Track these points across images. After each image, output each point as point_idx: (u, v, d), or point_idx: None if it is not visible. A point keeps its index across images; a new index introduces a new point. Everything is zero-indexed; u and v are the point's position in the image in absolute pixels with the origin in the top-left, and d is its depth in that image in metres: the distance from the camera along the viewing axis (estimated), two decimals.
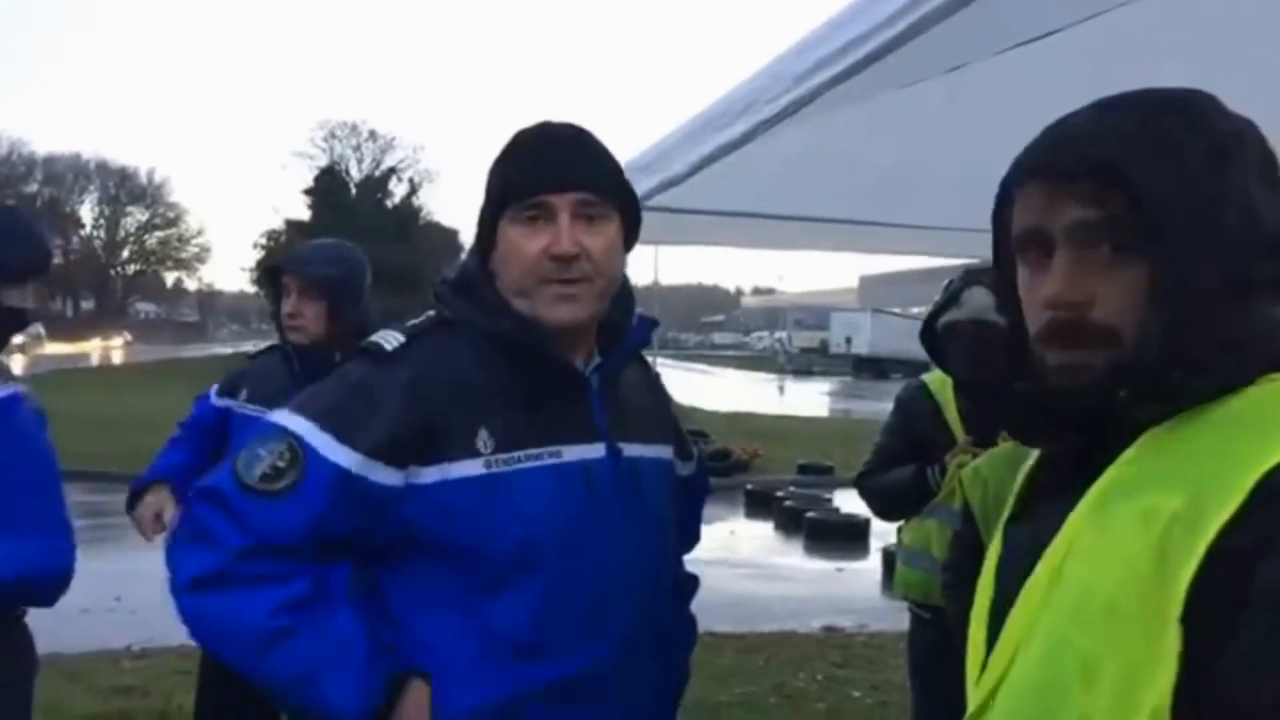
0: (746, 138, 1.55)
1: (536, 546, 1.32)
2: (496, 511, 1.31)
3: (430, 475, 1.30)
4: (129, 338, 54.56)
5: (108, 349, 48.95)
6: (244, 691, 2.47)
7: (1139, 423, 0.79)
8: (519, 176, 1.36)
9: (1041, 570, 0.80)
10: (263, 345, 2.71)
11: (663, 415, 1.59)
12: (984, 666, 0.86)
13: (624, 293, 1.47)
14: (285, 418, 1.33)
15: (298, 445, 1.29)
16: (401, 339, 1.37)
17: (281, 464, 1.28)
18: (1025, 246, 0.86)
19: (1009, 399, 0.89)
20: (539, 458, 1.34)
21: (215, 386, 2.62)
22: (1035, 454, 0.95)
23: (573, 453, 1.37)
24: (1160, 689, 0.69)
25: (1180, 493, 0.72)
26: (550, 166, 1.35)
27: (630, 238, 1.44)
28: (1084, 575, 0.76)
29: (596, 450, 1.39)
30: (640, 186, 1.61)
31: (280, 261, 2.52)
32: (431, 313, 1.43)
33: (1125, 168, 0.79)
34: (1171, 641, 0.69)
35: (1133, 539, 0.73)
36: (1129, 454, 0.79)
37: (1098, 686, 0.72)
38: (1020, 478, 0.96)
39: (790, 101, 1.43)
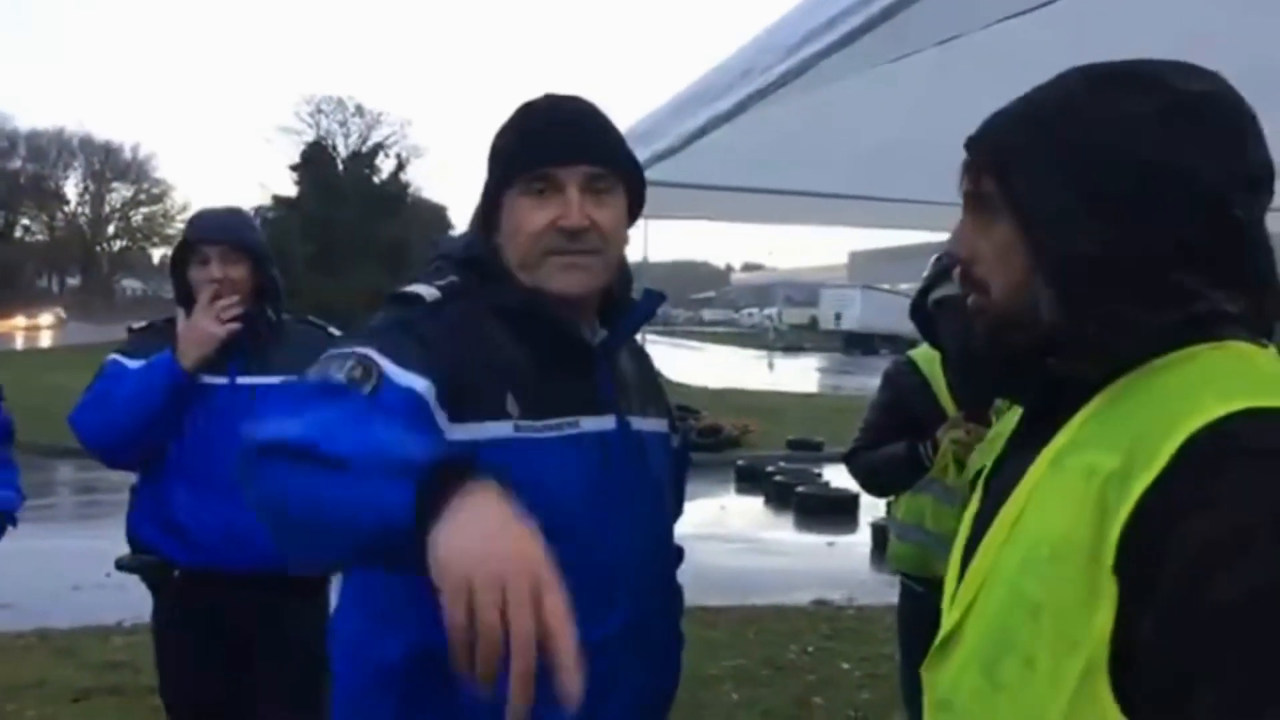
0: (738, 109, 1.55)
1: (559, 517, 1.31)
2: (522, 478, 1.29)
3: (461, 433, 1.27)
4: (63, 315, 47.23)
5: (34, 329, 42.41)
6: (201, 655, 2.43)
7: (1088, 384, 0.86)
8: (526, 149, 1.34)
9: (1001, 519, 0.87)
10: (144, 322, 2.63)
11: (655, 388, 1.60)
12: (952, 602, 0.94)
13: (623, 267, 1.47)
14: (347, 345, 1.27)
15: (369, 361, 1.22)
16: (438, 294, 1.35)
17: (356, 374, 1.21)
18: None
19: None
20: (560, 428, 1.33)
21: (123, 358, 2.48)
22: (1018, 414, 1.01)
23: (589, 424, 1.37)
24: (1097, 631, 0.75)
25: (1117, 452, 0.78)
26: (558, 139, 1.34)
27: (634, 211, 1.43)
28: (1035, 525, 0.83)
29: (608, 423, 1.40)
30: None
31: (199, 233, 2.50)
32: (454, 278, 1.39)
33: (999, 158, 0.89)
34: (1107, 589, 0.75)
35: (1076, 493, 0.79)
36: (1082, 414, 0.85)
37: (1040, 626, 0.79)
38: (1004, 435, 1.02)
39: (782, 73, 1.42)
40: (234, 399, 2.40)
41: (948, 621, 0.92)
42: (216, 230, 2.49)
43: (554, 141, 1.33)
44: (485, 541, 0.86)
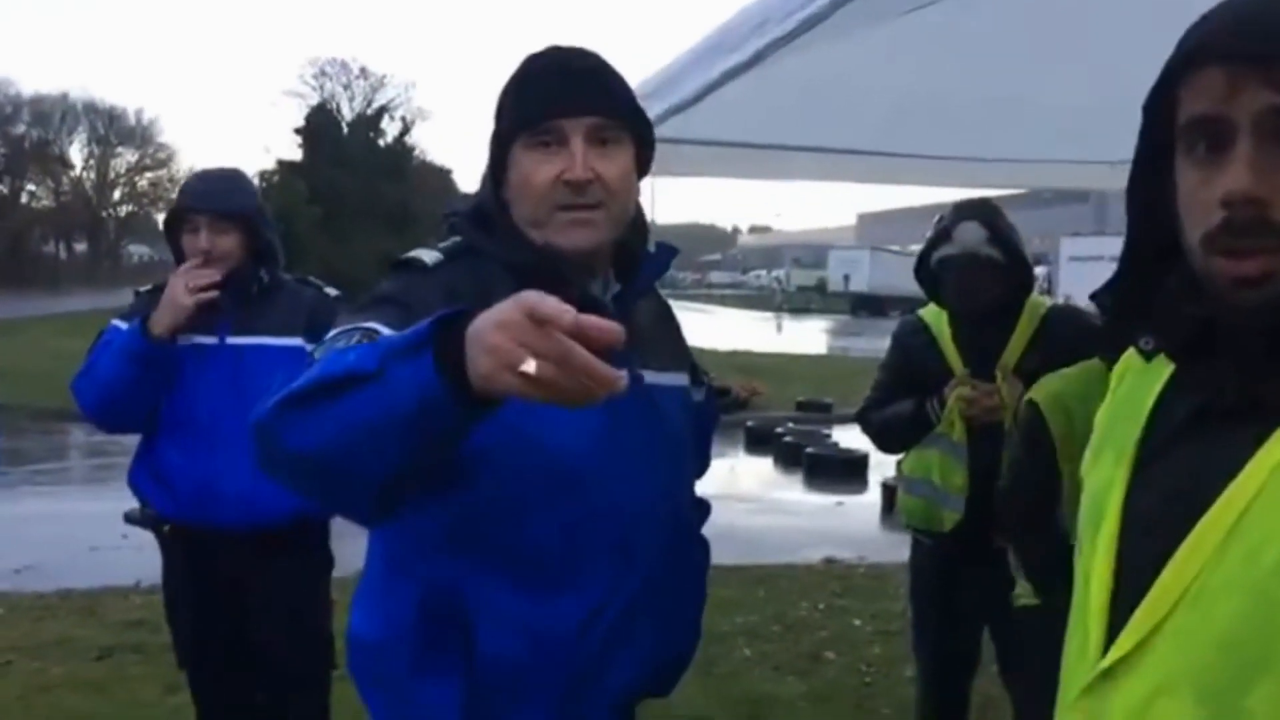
0: (757, 58, 1.53)
1: (567, 474, 1.31)
2: (528, 435, 1.29)
3: None
4: None
5: None
6: (201, 613, 2.50)
7: None
8: (530, 102, 1.33)
9: (1217, 515, 0.72)
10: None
11: (676, 343, 1.59)
12: (1110, 610, 0.78)
13: (638, 219, 1.45)
14: (350, 321, 1.25)
15: (374, 332, 1.20)
16: (439, 255, 1.36)
17: (360, 342, 1.17)
18: (1195, 137, 0.77)
19: (1174, 320, 0.79)
20: None
21: (120, 323, 2.52)
22: (1161, 380, 0.84)
23: None
24: None
25: None
26: (563, 91, 1.33)
27: (644, 163, 1.42)
28: None
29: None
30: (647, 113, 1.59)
31: (188, 201, 2.51)
32: (459, 238, 1.40)
33: None
34: None
35: None
36: None
37: None
38: (1144, 406, 0.85)
39: (801, 20, 1.40)
40: (222, 358, 2.47)
41: (1120, 643, 0.75)
42: (204, 198, 2.49)
43: (558, 93, 1.32)
44: (489, 334, 0.92)
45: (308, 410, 1.04)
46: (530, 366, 0.88)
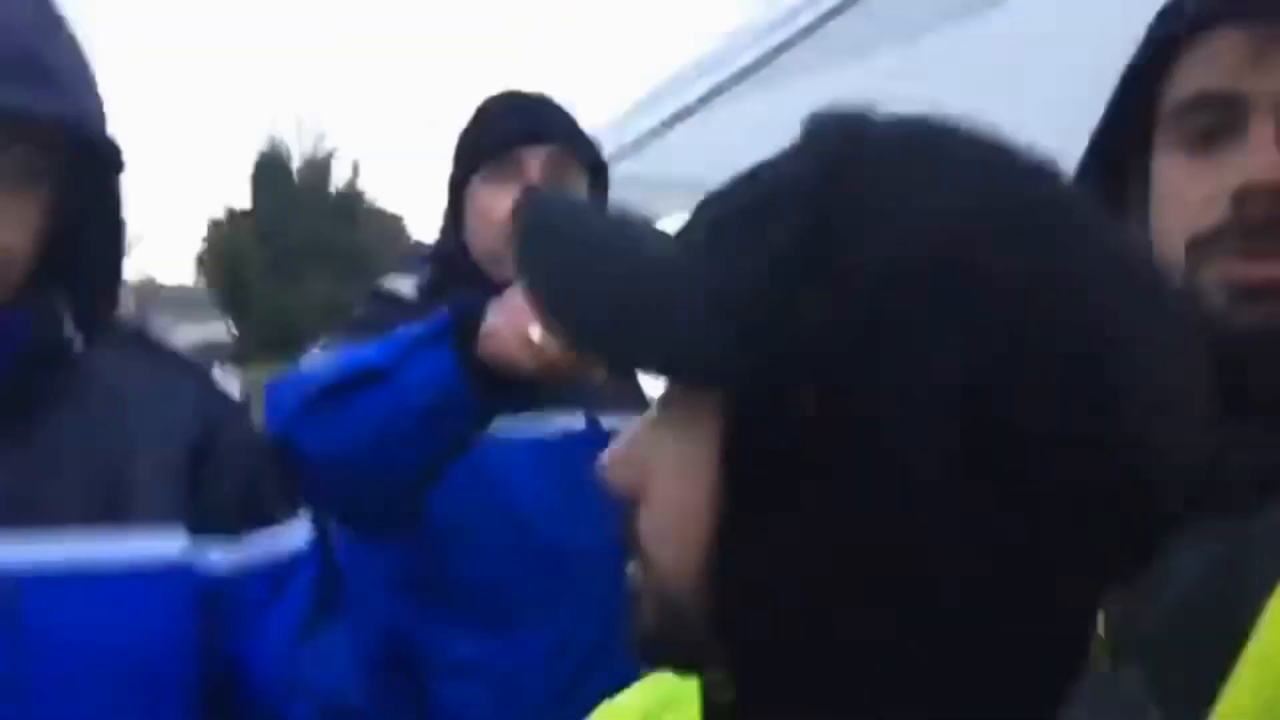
0: (713, 94, 1.54)
1: (524, 516, 1.31)
2: (491, 474, 1.29)
3: None
4: None
5: None
6: None
7: None
8: (486, 134, 1.36)
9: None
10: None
11: (635, 384, 1.58)
12: None
13: None
14: (330, 347, 1.27)
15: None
16: (415, 295, 1.36)
17: None
18: (1193, 115, 0.62)
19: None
20: (522, 429, 1.32)
21: None
22: None
23: (555, 423, 1.36)
24: None
25: None
26: (518, 121, 1.36)
27: (601, 198, 1.43)
28: None
29: (577, 422, 1.38)
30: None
31: None
32: (429, 275, 1.40)
33: None
34: None
35: None
36: None
37: None
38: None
39: (753, 61, 1.41)
40: None
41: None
42: None
43: (514, 124, 1.36)
44: (518, 293, 0.94)
45: (328, 412, 1.05)
46: (536, 334, 0.92)
